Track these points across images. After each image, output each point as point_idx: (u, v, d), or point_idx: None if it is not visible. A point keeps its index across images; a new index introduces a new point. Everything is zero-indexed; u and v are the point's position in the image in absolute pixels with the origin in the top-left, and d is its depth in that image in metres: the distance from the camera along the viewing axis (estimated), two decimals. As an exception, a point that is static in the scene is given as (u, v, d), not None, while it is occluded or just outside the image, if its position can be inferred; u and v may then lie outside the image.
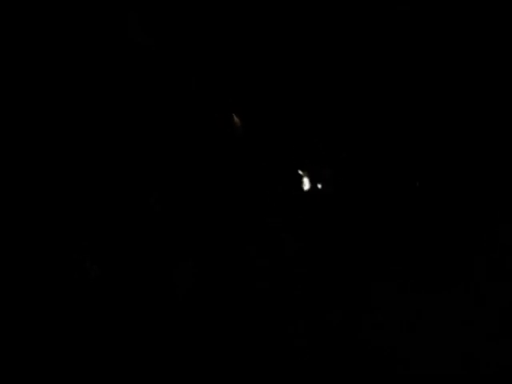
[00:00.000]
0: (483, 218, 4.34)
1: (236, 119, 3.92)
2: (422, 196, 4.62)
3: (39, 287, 2.86)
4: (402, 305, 3.67)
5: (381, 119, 4.43)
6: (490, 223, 4.29)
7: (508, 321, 3.07)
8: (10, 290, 2.74)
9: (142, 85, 3.63)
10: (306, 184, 4.24)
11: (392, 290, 3.86)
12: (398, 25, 4.80)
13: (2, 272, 2.74)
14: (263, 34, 3.96)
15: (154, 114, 3.71)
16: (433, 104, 4.50)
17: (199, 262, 3.55)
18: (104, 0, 3.21)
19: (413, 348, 3.37)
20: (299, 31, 4.33)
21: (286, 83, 4.22)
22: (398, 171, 4.60)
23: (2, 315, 2.64)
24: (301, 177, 4.23)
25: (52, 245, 2.97)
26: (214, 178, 3.84)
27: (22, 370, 2.62)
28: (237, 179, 3.94)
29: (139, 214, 3.47)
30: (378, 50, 4.55)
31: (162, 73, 3.69)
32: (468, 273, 4.05)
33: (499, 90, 4.79)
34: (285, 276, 3.73)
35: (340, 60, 4.36)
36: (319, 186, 4.25)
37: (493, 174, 4.44)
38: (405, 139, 4.50)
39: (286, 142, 4.26)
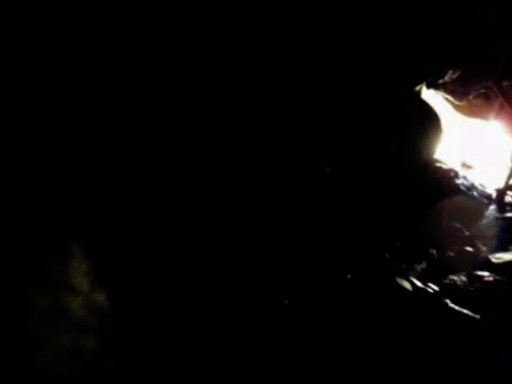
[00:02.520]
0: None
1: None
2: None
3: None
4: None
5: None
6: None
7: None
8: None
9: (142, 84, 3.60)
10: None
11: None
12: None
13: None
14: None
15: (154, 113, 3.70)
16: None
17: (198, 261, 3.56)
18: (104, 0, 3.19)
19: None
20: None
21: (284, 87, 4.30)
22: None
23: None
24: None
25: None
26: (212, 176, 3.85)
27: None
28: (236, 177, 3.96)
29: (140, 211, 3.47)
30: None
31: (162, 72, 3.66)
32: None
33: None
34: (283, 274, 3.80)
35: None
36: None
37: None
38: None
39: (281, 143, 4.31)
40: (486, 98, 7.11)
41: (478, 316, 4.13)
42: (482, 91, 7.01)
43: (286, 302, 3.85)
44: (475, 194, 6.46)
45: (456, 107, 7.21)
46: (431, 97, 6.95)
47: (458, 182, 6.49)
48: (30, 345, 2.75)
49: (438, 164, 6.51)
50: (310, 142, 4.80)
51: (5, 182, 2.97)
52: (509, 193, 6.63)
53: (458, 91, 6.98)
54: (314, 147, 4.83)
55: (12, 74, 3.18)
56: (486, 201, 6.41)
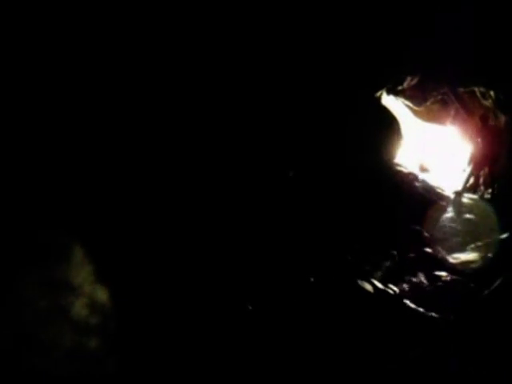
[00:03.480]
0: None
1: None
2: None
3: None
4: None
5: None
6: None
7: None
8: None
9: (142, 84, 3.61)
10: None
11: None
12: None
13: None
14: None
15: (153, 113, 3.69)
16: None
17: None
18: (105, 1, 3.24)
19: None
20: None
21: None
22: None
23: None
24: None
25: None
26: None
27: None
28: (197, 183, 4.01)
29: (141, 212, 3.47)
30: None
31: (162, 73, 3.69)
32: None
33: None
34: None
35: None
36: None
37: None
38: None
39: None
40: (443, 104, 7.36)
41: (436, 314, 4.24)
42: (439, 97, 7.26)
43: (250, 306, 3.85)
44: (434, 196, 6.65)
45: (415, 112, 7.43)
46: (391, 102, 7.13)
47: (418, 185, 6.67)
48: (30, 345, 2.74)
49: (397, 167, 6.68)
50: (274, 146, 4.82)
51: (5, 183, 2.93)
52: (466, 195, 6.87)
53: (416, 97, 7.19)
54: (277, 151, 4.86)
55: (12, 74, 3.13)
56: (444, 203, 6.61)
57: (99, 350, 2.96)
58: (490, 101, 6.84)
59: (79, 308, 2.98)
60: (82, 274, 3.06)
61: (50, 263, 2.97)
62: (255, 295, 3.96)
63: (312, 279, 4.30)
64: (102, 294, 3.11)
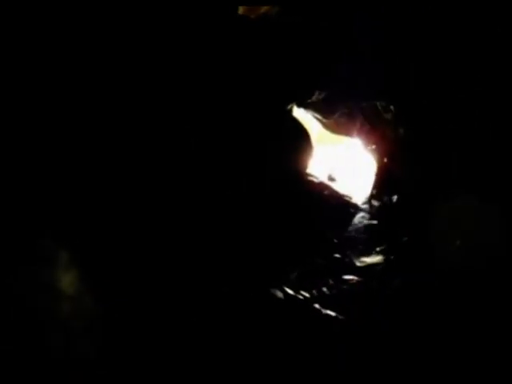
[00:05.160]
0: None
1: None
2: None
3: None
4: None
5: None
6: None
7: None
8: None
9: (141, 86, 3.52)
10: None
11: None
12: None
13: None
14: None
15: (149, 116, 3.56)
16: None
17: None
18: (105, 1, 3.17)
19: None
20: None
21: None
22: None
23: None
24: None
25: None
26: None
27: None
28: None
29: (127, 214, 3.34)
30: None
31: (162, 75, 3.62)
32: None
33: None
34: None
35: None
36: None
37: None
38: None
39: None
40: (350, 117, 7.84)
41: (342, 316, 4.50)
42: (346, 111, 7.73)
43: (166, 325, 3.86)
44: (342, 204, 7.05)
45: (323, 124, 7.84)
46: (302, 115, 7.48)
47: (327, 193, 7.04)
48: (18, 348, 2.67)
49: (308, 177, 7.00)
50: (186, 159, 4.87)
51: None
52: (372, 202, 7.35)
53: (324, 110, 7.60)
54: (190, 164, 4.91)
55: (12, 74, 3.07)
56: (352, 210, 7.03)
57: (90, 352, 2.94)
58: (390, 114, 7.39)
59: (69, 310, 2.95)
60: (70, 276, 3.00)
61: (38, 266, 2.93)
62: (170, 308, 3.97)
63: (225, 289, 4.38)
64: (91, 297, 3.09)
